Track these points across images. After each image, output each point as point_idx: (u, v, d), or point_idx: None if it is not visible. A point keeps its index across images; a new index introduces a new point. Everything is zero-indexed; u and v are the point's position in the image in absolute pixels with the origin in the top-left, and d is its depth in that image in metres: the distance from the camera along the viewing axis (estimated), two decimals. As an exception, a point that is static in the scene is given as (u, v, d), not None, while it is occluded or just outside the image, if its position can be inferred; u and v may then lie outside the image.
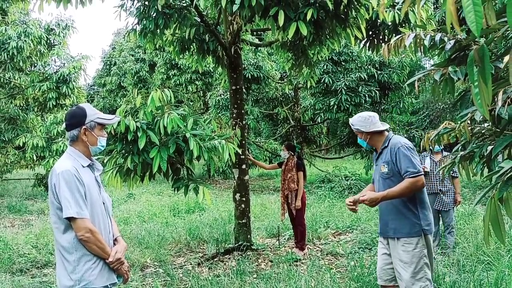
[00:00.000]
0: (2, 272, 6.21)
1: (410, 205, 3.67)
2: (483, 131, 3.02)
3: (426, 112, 21.41)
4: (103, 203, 2.88)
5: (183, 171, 5.41)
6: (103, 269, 2.75)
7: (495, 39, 2.02)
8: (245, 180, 6.97)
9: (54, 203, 2.69)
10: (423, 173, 3.63)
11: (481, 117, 2.76)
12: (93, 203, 2.76)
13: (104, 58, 37.66)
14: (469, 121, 2.97)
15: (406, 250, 3.64)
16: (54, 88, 13.23)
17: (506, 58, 2.11)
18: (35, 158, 13.13)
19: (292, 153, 7.16)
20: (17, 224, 10.30)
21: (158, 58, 21.88)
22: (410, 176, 3.58)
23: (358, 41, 6.68)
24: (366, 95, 13.79)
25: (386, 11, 5.64)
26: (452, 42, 2.62)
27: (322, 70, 13.99)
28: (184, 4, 6.69)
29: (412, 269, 3.59)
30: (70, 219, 2.63)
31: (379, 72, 14.29)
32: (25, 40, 11.93)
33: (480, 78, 1.68)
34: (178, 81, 20.88)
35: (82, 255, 2.68)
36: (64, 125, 2.87)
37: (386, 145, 3.79)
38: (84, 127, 2.82)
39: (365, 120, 3.87)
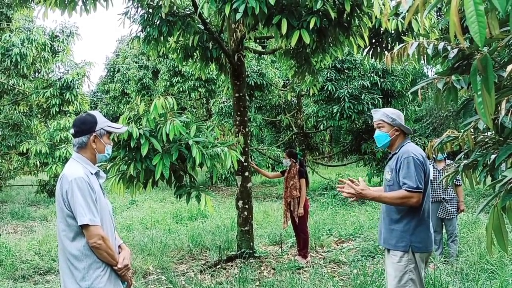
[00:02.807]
0: (5, 278, 6.21)
1: (404, 218, 3.51)
2: (486, 140, 3.02)
3: (429, 120, 21.36)
4: (108, 210, 2.89)
5: (186, 178, 5.42)
6: (110, 276, 2.77)
7: (498, 48, 2.02)
8: (248, 187, 6.97)
9: (64, 210, 2.68)
10: (421, 191, 3.41)
11: (485, 125, 2.76)
12: (102, 210, 2.77)
13: (107, 65, 37.73)
14: (472, 130, 2.97)
15: (392, 262, 3.55)
16: (58, 94, 13.27)
17: (509, 67, 2.11)
18: (38, 164, 13.15)
19: (294, 161, 7.15)
20: (20, 231, 10.31)
21: (162, 65, 21.95)
22: (407, 189, 3.40)
23: (361, 49, 6.69)
24: (369, 103, 13.78)
25: (389, 20, 5.65)
26: (455, 51, 2.62)
27: (325, 78, 14.00)
28: (188, 12, 6.74)
29: (395, 282, 3.49)
30: (83, 226, 2.64)
31: (382, 80, 14.29)
32: (28, 47, 11.98)
33: (483, 88, 1.69)
34: (181, 88, 20.92)
35: (92, 262, 2.69)
36: (72, 131, 2.87)
37: (397, 151, 3.61)
38: (94, 134, 2.84)
39: (398, 113, 3.70)
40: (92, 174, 2.81)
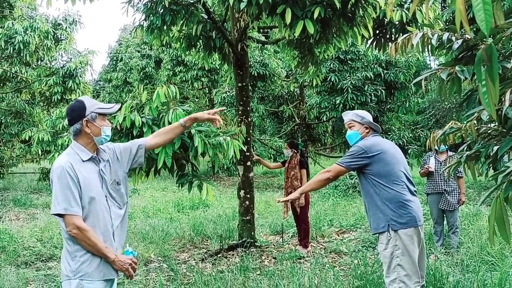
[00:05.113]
0: (7, 264, 6.25)
1: (376, 201, 3.67)
2: (489, 131, 3.02)
3: (432, 112, 21.33)
4: (106, 196, 2.83)
5: (188, 167, 5.43)
6: (101, 263, 2.75)
7: (503, 38, 2.02)
8: (250, 177, 6.98)
9: None
10: (341, 166, 3.76)
11: (488, 117, 2.76)
12: (93, 199, 2.73)
13: (110, 53, 37.72)
14: (475, 121, 2.97)
15: (380, 250, 3.72)
16: (60, 82, 13.26)
17: (514, 58, 2.11)
18: (40, 152, 13.17)
19: (295, 151, 7.16)
20: (22, 218, 10.36)
21: (165, 55, 21.92)
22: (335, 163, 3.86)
23: (365, 40, 6.67)
24: (372, 94, 13.76)
25: (393, 10, 5.62)
26: (459, 41, 2.62)
27: (328, 69, 13.97)
28: (191, 1, 6.70)
29: (386, 268, 3.63)
30: (59, 216, 2.66)
31: (385, 71, 14.25)
32: (31, 35, 11.96)
33: (488, 77, 1.68)
34: (184, 78, 20.91)
35: (79, 248, 2.71)
36: (66, 121, 2.87)
37: None
38: (85, 119, 2.79)
39: (367, 113, 3.97)
40: (83, 161, 2.77)
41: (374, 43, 6.85)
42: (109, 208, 2.84)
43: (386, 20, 6.34)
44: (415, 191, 3.80)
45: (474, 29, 4.58)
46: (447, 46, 2.73)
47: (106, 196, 2.83)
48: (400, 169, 3.72)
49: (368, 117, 3.92)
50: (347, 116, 3.99)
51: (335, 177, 3.90)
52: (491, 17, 1.36)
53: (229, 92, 16.49)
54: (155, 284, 5.41)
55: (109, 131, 2.91)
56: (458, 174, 6.39)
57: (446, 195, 6.42)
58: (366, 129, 3.88)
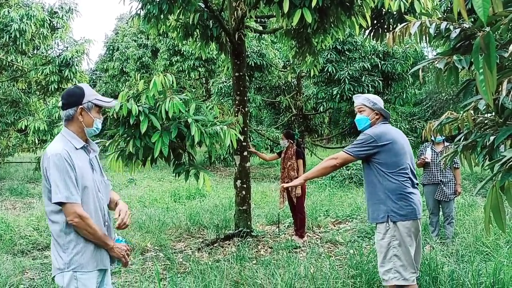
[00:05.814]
0: (4, 253, 6.26)
1: (378, 189, 3.65)
2: (485, 121, 3.02)
3: (429, 103, 21.36)
4: (98, 187, 2.81)
5: (185, 156, 5.42)
6: (94, 253, 2.72)
7: (501, 26, 2.01)
8: (247, 167, 6.98)
9: (46, 187, 2.65)
10: (349, 154, 3.67)
11: (485, 106, 2.75)
12: (86, 188, 2.70)
13: (106, 43, 37.49)
14: (472, 111, 2.97)
15: (376, 240, 3.71)
16: (57, 71, 13.19)
17: (511, 47, 2.10)
18: (37, 141, 13.15)
19: (292, 141, 7.16)
20: (19, 207, 10.36)
21: (161, 44, 21.84)
22: (343, 151, 3.74)
23: (363, 30, 6.64)
24: (369, 85, 13.74)
25: (391, 0, 5.60)
26: (457, 30, 2.61)
27: (325, 59, 13.93)
28: (189, -11, 6.65)
29: (381, 258, 3.63)
30: (60, 204, 2.60)
31: (382, 62, 14.22)
32: (27, 23, 11.86)
33: (485, 65, 1.68)
34: (180, 68, 20.85)
35: (72, 239, 2.65)
36: (60, 103, 2.82)
37: None
38: (81, 106, 2.75)
39: (379, 99, 3.88)
40: (77, 149, 2.73)
41: (372, 33, 6.83)
42: (101, 198, 2.83)
43: (384, 9, 6.32)
44: (417, 184, 3.77)
45: (472, 19, 4.57)
46: (445, 35, 2.72)
47: (97, 186, 2.82)
48: (407, 161, 3.69)
49: (380, 103, 3.83)
50: (358, 99, 3.89)
51: (342, 165, 3.81)
52: (489, 4, 1.35)
53: (226, 82, 16.45)
54: (152, 273, 5.42)
55: (100, 124, 2.87)
56: (454, 165, 6.41)
57: (442, 186, 6.44)
58: (376, 115, 3.81)
